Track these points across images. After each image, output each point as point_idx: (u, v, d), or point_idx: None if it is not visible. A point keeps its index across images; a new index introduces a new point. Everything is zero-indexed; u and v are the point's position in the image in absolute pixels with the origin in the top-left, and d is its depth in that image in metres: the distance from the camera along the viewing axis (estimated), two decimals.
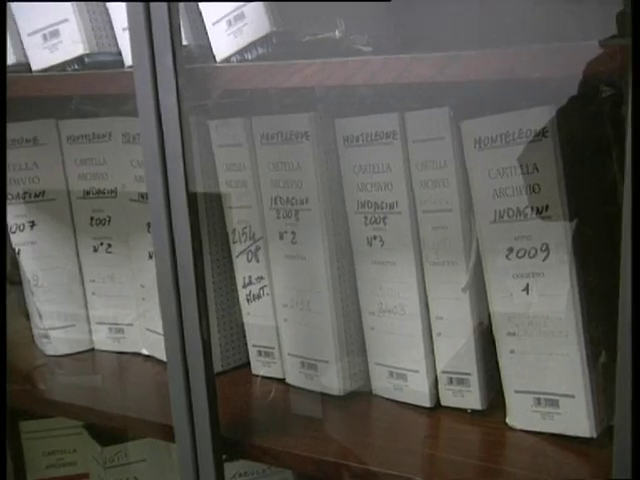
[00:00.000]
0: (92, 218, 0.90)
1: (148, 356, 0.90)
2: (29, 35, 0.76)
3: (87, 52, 0.74)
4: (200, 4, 0.71)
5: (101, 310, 0.92)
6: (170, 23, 0.60)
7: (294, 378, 0.79)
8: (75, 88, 0.73)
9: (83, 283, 0.92)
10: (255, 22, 0.68)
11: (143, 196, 0.84)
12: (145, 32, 0.61)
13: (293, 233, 0.74)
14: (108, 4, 0.75)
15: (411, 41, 0.79)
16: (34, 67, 0.77)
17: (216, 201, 0.81)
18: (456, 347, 0.70)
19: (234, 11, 0.69)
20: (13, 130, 0.87)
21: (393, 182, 0.69)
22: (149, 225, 0.84)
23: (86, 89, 0.72)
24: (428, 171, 0.67)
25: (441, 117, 0.64)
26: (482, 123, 0.62)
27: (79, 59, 0.75)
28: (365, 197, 0.71)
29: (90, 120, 0.86)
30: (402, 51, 0.77)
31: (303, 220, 0.73)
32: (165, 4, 0.60)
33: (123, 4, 0.72)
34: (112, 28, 0.76)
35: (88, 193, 0.89)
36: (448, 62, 0.51)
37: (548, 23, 0.68)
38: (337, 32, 0.73)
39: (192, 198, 0.63)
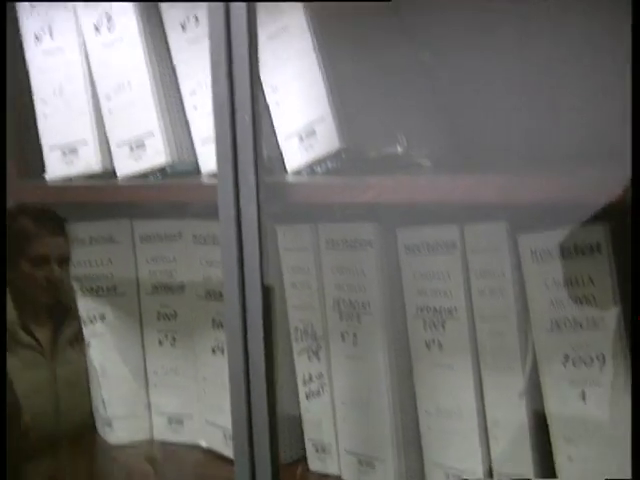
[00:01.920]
0: (159, 313, 0.95)
1: (206, 449, 0.93)
2: (118, 146, 0.84)
3: (169, 162, 0.81)
4: (275, 117, 0.78)
5: (162, 401, 0.96)
6: (254, 137, 0.67)
7: (350, 475, 0.81)
8: (158, 196, 0.79)
9: (146, 374, 0.97)
10: (325, 138, 0.74)
11: (210, 294, 0.89)
12: (230, 146, 0.67)
13: (354, 335, 0.78)
14: (190, 118, 0.82)
15: (468, 154, 0.85)
16: (119, 173, 0.84)
17: (280, 300, 0.85)
18: (512, 450, 0.72)
19: (306, 127, 0.75)
20: (91, 228, 0.94)
21: (452, 289, 0.73)
22: (214, 321, 0.89)
23: (168, 197, 0.78)
24: (486, 280, 0.71)
25: (499, 230, 0.69)
26: (538, 237, 0.67)
27: (161, 169, 0.82)
28: (425, 302, 0.75)
29: (163, 221, 0.92)
30: (459, 164, 0.83)
31: (365, 322, 0.77)
32: (249, 118, 0.67)
33: (203, 118, 0.80)
34: (191, 139, 0.83)
35: (157, 289, 0.94)
36: (512, 186, 0.55)
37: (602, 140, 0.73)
38: (399, 147, 0.79)
39: (266, 297, 0.68)
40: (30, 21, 0.88)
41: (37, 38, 0.87)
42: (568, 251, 0.65)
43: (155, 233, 0.93)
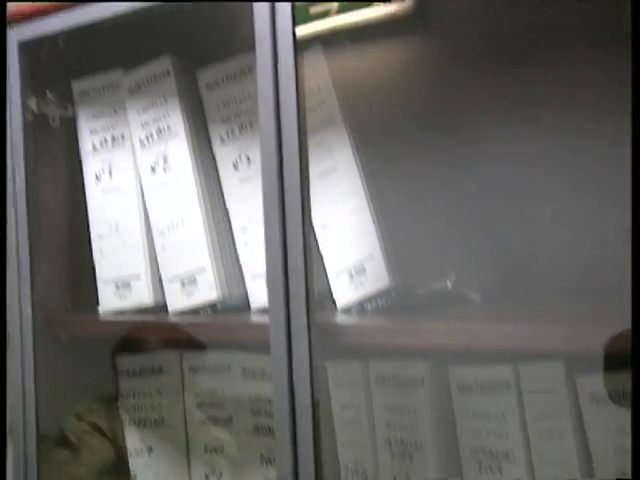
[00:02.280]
0: (206, 446, 0.94)
1: None
2: (170, 281, 0.86)
3: (220, 298, 0.82)
4: (324, 254, 0.79)
5: None
6: (306, 277, 0.67)
7: None
8: (208, 333, 0.80)
9: None
10: (375, 276, 0.75)
11: (258, 428, 0.87)
12: (282, 285, 0.68)
13: (407, 476, 0.76)
14: (241, 253, 0.84)
15: (517, 285, 0.85)
16: (170, 308, 0.86)
17: (330, 437, 0.83)
18: None
19: (356, 265, 0.76)
20: (140, 360, 0.94)
21: (508, 431, 0.70)
22: (262, 457, 0.87)
23: (218, 335, 0.79)
24: (544, 422, 0.68)
25: (556, 371, 0.67)
26: (598, 380, 0.64)
27: (212, 305, 0.83)
28: (479, 444, 0.72)
29: (212, 353, 0.92)
30: (509, 299, 0.82)
31: (417, 463, 0.75)
32: (301, 259, 0.67)
33: (254, 254, 0.82)
34: (242, 275, 0.84)
35: (205, 421, 0.93)
36: (572, 335, 0.54)
37: None
38: (448, 282, 0.79)
39: (316, 434, 0.67)
40: (92, 162, 0.92)
41: (97, 178, 0.91)
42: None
43: (204, 365, 0.93)
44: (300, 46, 0.71)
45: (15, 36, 0.86)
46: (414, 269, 0.78)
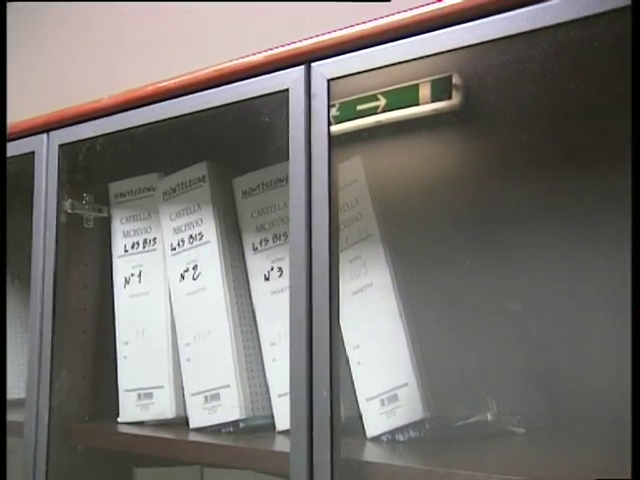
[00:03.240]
0: None
1: None
2: (192, 395, 0.81)
3: (243, 417, 0.78)
4: (355, 377, 0.74)
5: None
6: (331, 401, 0.63)
7: None
8: (228, 456, 0.75)
9: None
10: (409, 406, 0.69)
11: None
12: (306, 409, 0.63)
13: None
14: (268, 369, 0.80)
15: (562, 415, 0.78)
16: (192, 425, 0.81)
17: None
18: None
19: (388, 392, 0.71)
20: (160, 475, 0.89)
21: None
22: None
23: (238, 460, 0.74)
24: None
25: None
26: None
27: (234, 423, 0.78)
28: None
29: (234, 471, 0.87)
30: (555, 429, 0.76)
31: None
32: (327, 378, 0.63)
33: (282, 370, 0.77)
34: (268, 393, 0.79)
35: None
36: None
37: None
38: (489, 414, 0.73)
39: None
40: (123, 265, 0.90)
41: (127, 281, 0.89)
42: None
43: None
44: (340, 146, 0.68)
45: (56, 139, 0.86)
46: (451, 398, 0.72)
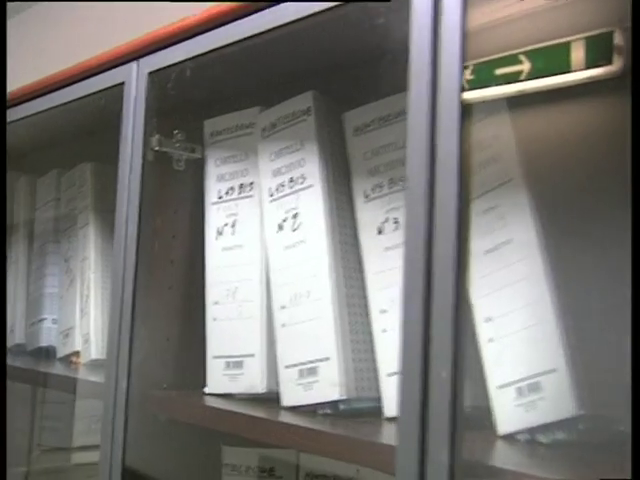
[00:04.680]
0: None
1: None
2: (286, 367, 0.69)
3: (343, 397, 0.64)
4: (485, 358, 0.58)
5: None
6: (453, 386, 0.48)
7: None
8: (324, 439, 0.62)
9: None
10: (556, 399, 0.53)
11: None
12: (419, 393, 0.49)
13: None
14: (377, 342, 0.66)
15: None
16: (283, 402, 0.68)
17: None
18: None
19: (529, 379, 0.55)
20: (251, 456, 0.78)
21: None
22: None
23: (335, 445, 0.60)
24: None
25: None
26: None
27: (333, 403, 0.65)
28: None
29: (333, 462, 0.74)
30: None
31: None
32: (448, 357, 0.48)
33: (393, 344, 0.63)
34: (376, 370, 0.65)
35: None
36: None
37: None
38: None
39: None
40: (216, 214, 0.78)
41: (219, 232, 0.77)
42: None
43: (323, 472, 0.75)
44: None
45: (145, 67, 0.76)
46: (613, 393, 0.55)
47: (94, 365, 1.00)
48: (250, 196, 0.76)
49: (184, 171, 0.80)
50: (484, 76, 0.67)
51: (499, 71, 0.73)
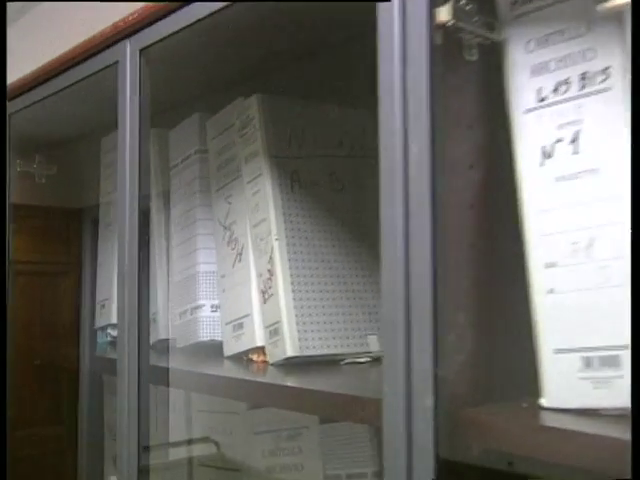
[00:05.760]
0: None
1: None
2: None
3: None
4: None
5: None
6: None
7: None
8: None
9: None
10: None
11: None
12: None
13: None
14: None
15: None
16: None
17: None
18: None
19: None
20: None
21: None
22: None
23: None
24: None
25: None
26: None
27: None
28: None
29: None
30: None
31: None
32: None
33: None
34: None
35: None
36: None
37: None
38: None
39: None
40: (538, 128, 0.49)
41: (546, 155, 0.48)
42: None
43: None
44: None
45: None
46: None
47: (287, 365, 0.75)
48: (604, 90, 0.47)
49: (475, 63, 0.51)
50: None
51: None
